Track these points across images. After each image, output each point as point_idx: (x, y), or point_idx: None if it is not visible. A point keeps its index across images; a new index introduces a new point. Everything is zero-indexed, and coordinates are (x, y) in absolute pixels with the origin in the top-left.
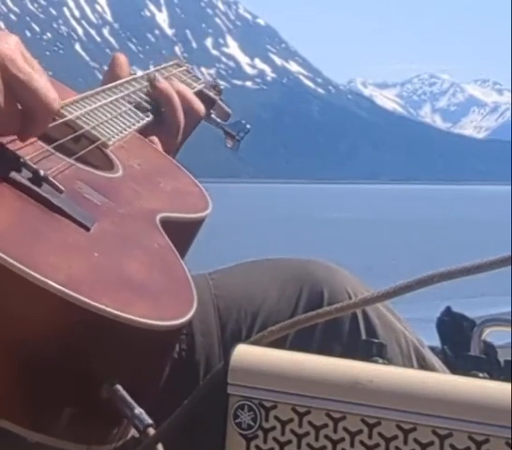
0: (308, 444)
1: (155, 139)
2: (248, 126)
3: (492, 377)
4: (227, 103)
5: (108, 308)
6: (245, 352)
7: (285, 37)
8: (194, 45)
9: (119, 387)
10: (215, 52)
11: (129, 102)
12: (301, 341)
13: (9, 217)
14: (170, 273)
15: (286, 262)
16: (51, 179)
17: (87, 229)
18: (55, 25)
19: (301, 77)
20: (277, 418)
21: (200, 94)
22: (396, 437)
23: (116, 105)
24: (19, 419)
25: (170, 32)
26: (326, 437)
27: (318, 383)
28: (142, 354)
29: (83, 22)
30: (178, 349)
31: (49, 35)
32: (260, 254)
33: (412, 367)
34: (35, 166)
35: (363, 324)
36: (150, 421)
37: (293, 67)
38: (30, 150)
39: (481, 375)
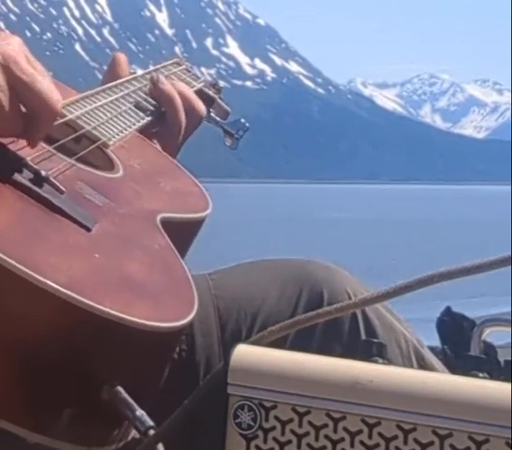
0: (308, 444)
1: (156, 139)
2: (247, 124)
3: (492, 377)
4: (226, 102)
5: (111, 311)
6: (245, 352)
7: (285, 37)
8: (194, 45)
9: (120, 389)
10: (215, 52)
11: (130, 102)
12: (301, 341)
13: (10, 218)
14: (170, 274)
15: (286, 262)
16: (52, 180)
17: (88, 229)
18: (55, 25)
19: (301, 77)
20: (277, 418)
21: (199, 92)
22: (396, 437)
23: (117, 104)
24: (19, 420)
25: (170, 32)
26: (326, 437)
27: (318, 383)
28: (143, 356)
29: (83, 22)
30: (178, 349)
31: (49, 35)
32: (260, 254)
33: (411, 367)
34: (36, 167)
35: (363, 325)
36: (151, 423)
37: (293, 67)
38: (31, 150)
39: (481, 375)
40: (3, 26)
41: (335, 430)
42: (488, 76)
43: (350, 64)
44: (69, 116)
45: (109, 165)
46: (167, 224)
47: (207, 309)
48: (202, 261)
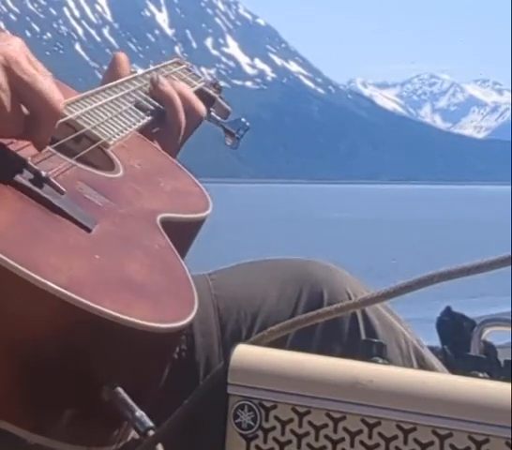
0: (308, 444)
1: (156, 139)
2: (247, 123)
3: (492, 377)
4: (227, 101)
5: (109, 311)
6: (245, 352)
7: (285, 37)
8: (194, 45)
9: (120, 390)
10: (215, 52)
11: (130, 101)
12: (301, 341)
13: (10, 218)
14: (170, 274)
15: (286, 262)
16: (52, 180)
17: (88, 230)
18: (55, 25)
19: (301, 77)
20: (277, 418)
21: (200, 92)
22: (396, 437)
23: (117, 104)
24: (19, 421)
25: (170, 32)
26: (326, 437)
27: (318, 383)
28: (142, 356)
29: (83, 22)
30: (178, 349)
31: (49, 35)
32: (260, 254)
33: (411, 367)
34: (36, 167)
35: (363, 325)
36: (151, 424)
37: (293, 67)
38: (31, 151)
39: (481, 375)
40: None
41: (335, 430)
42: (488, 76)
43: (350, 64)
44: (70, 116)
45: (109, 165)
46: (167, 224)
47: (207, 309)
48: (202, 261)
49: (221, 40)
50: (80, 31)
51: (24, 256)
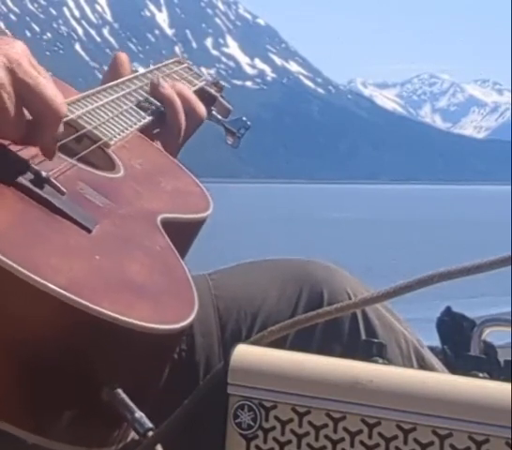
0: (308, 444)
1: (156, 140)
2: (248, 122)
3: (492, 377)
4: (228, 100)
5: (109, 312)
6: (245, 352)
7: (285, 37)
8: (194, 45)
9: (120, 391)
10: (215, 52)
11: (131, 101)
12: (301, 341)
13: (10, 219)
14: (171, 275)
15: (286, 262)
16: (52, 181)
17: (89, 230)
18: (55, 25)
19: (301, 77)
20: (277, 418)
21: (201, 91)
22: (396, 437)
23: (118, 104)
24: (19, 421)
25: (170, 32)
26: (326, 437)
27: (318, 383)
28: (143, 357)
29: (83, 22)
30: (178, 349)
31: (49, 35)
32: (260, 254)
33: (411, 367)
34: (37, 167)
35: (363, 325)
36: (150, 425)
37: (293, 67)
38: (32, 151)
39: (481, 375)
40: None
41: (335, 430)
42: (488, 76)
43: (350, 64)
44: (71, 116)
45: (110, 165)
46: (167, 225)
47: (207, 309)
48: (202, 261)
49: (221, 40)
50: (80, 31)
51: (24, 257)
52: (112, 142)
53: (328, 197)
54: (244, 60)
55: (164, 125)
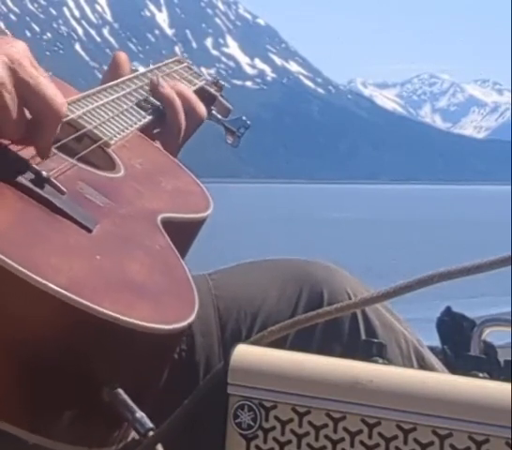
0: (308, 444)
1: (157, 140)
2: (248, 122)
3: (492, 377)
4: (227, 99)
5: (109, 312)
6: (245, 352)
7: (285, 37)
8: (194, 45)
9: (120, 391)
10: (215, 52)
11: (131, 100)
12: (301, 341)
13: (11, 219)
14: (171, 274)
15: (286, 262)
16: (53, 180)
17: (89, 230)
18: (55, 25)
19: (301, 77)
20: (277, 418)
21: (201, 90)
22: (396, 437)
23: (118, 103)
24: (19, 421)
25: (170, 32)
26: (326, 437)
27: (318, 383)
28: (143, 357)
29: (83, 22)
30: (178, 349)
31: (49, 35)
32: (260, 254)
33: (411, 367)
34: (37, 167)
35: (363, 325)
36: (151, 425)
37: (293, 67)
38: (32, 151)
39: (481, 375)
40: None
41: (335, 430)
42: (488, 76)
43: (350, 64)
44: (71, 116)
45: (110, 165)
46: (168, 224)
47: (207, 309)
48: (202, 261)
49: (221, 40)
50: (80, 31)
51: (25, 256)
52: (112, 142)
53: (328, 197)
54: (244, 60)
55: (164, 124)
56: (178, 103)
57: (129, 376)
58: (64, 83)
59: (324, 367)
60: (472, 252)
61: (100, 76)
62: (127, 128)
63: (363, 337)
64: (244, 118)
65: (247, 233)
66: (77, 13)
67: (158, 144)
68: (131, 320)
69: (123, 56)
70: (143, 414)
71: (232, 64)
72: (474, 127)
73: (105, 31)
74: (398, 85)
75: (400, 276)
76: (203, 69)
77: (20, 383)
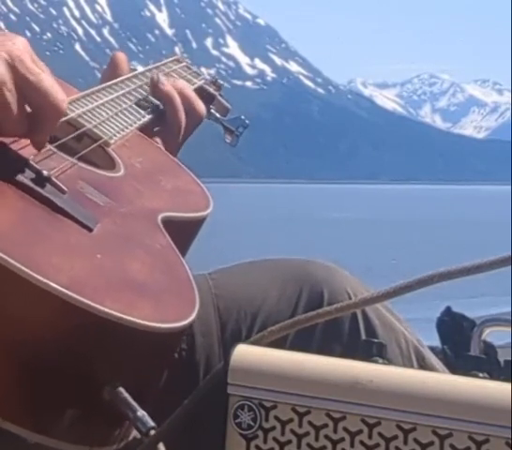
0: (308, 444)
1: (156, 138)
2: (246, 121)
3: (492, 377)
4: (226, 98)
5: (111, 311)
6: (245, 352)
7: (285, 37)
8: (194, 45)
9: (122, 390)
10: (215, 52)
11: (131, 99)
12: (301, 341)
13: (12, 218)
14: (172, 273)
15: (286, 262)
16: (53, 180)
17: (90, 229)
18: (55, 25)
19: (301, 77)
20: (277, 418)
21: (200, 90)
22: (396, 437)
23: (118, 102)
24: (21, 420)
25: (170, 32)
26: (326, 437)
27: (318, 383)
28: (144, 356)
29: (83, 22)
30: (178, 349)
31: (49, 35)
32: (260, 254)
33: (412, 367)
34: (38, 166)
35: (363, 325)
36: (152, 423)
37: (293, 67)
38: (33, 150)
39: (481, 375)
40: (3, 26)
41: (335, 430)
42: (488, 76)
43: (350, 64)
44: (71, 115)
45: (110, 164)
46: (168, 223)
47: (207, 309)
48: (202, 260)
49: (221, 40)
50: (80, 31)
51: (26, 256)
52: (112, 141)
53: (328, 197)
54: (244, 60)
55: (164, 123)
56: (178, 100)
57: (130, 375)
58: (64, 83)
59: (324, 367)
60: (472, 252)
61: (100, 76)
62: (126, 128)
63: (363, 336)
64: (242, 117)
65: (247, 233)
66: (77, 13)
67: (158, 142)
68: (133, 318)
69: (121, 56)
70: (145, 413)
71: (232, 64)
72: (474, 127)
73: (105, 31)
74: (398, 85)
75: (400, 276)
76: (203, 69)
77: (21, 383)
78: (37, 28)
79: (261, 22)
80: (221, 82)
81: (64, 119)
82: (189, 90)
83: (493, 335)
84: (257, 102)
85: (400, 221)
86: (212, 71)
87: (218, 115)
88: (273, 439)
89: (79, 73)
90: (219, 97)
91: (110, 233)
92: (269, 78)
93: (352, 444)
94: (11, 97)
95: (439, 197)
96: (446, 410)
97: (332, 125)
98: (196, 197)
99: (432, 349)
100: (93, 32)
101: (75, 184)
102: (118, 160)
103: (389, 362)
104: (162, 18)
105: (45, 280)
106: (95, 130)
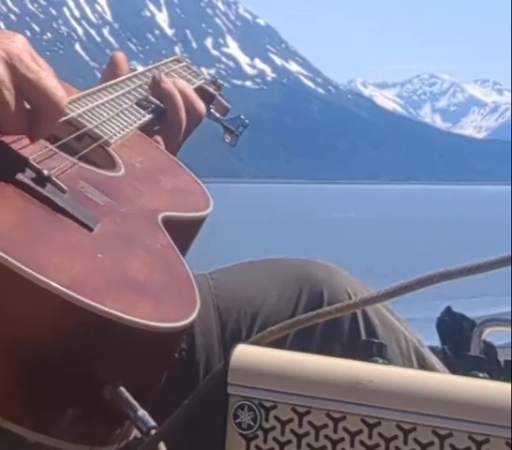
0: (308, 444)
1: (157, 137)
2: (246, 121)
3: (492, 377)
4: (226, 98)
5: (111, 310)
6: (245, 352)
7: (285, 37)
8: (194, 45)
9: (122, 389)
10: (215, 52)
11: (131, 99)
12: (301, 341)
13: (13, 218)
14: (172, 273)
15: (286, 262)
16: (54, 179)
17: (90, 229)
18: (55, 25)
19: (301, 77)
20: (277, 418)
21: (199, 89)
22: (396, 437)
23: (118, 102)
24: (21, 419)
25: (170, 32)
26: (326, 437)
27: (318, 383)
28: (144, 355)
29: (83, 22)
30: (178, 348)
31: (49, 35)
32: (260, 254)
33: (412, 367)
34: (38, 166)
35: (363, 324)
36: (153, 423)
37: (293, 67)
38: (33, 149)
39: (481, 375)
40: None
41: (335, 430)
42: (488, 76)
43: (350, 64)
44: (71, 114)
45: (110, 163)
46: (168, 223)
47: (207, 309)
48: (202, 260)
49: (221, 40)
50: (80, 31)
51: (26, 255)
52: (112, 141)
53: (328, 197)
54: (244, 60)
55: (164, 122)
56: (179, 99)
57: (131, 374)
58: (64, 83)
59: (324, 367)
60: (472, 252)
61: (100, 76)
62: (126, 127)
63: (363, 336)
64: (242, 117)
65: (247, 233)
66: (77, 13)
67: (158, 142)
68: (133, 318)
69: (121, 56)
70: (145, 412)
71: (232, 64)
72: (474, 127)
73: (105, 31)
74: (398, 85)
75: (400, 276)
76: (203, 69)
77: (22, 382)
78: (37, 28)
79: (261, 22)
80: (221, 82)
81: (64, 119)
82: (189, 89)
83: (493, 335)
84: (257, 102)
85: (400, 221)
86: (212, 71)
87: (217, 115)
88: (273, 439)
89: (79, 73)
90: (219, 97)
91: (110, 233)
92: (269, 78)
93: (352, 444)
94: (9, 95)
95: (439, 197)
96: (446, 410)
97: (332, 125)
98: (196, 197)
99: (432, 349)
100: (93, 32)
101: (75, 183)
102: (118, 160)
103: (389, 362)
104: (162, 18)
105: (46, 280)
106: (95, 130)
